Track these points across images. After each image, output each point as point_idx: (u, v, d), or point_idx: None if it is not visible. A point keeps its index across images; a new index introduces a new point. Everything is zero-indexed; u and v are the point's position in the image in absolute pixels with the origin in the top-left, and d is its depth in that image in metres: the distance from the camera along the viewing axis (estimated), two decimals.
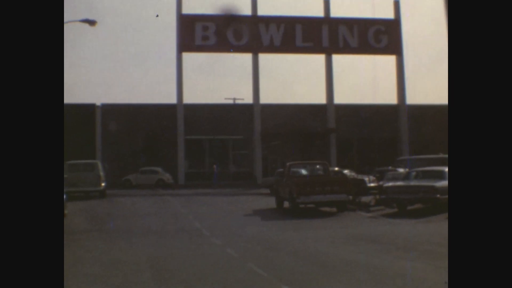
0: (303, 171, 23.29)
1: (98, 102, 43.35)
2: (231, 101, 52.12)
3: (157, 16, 67.93)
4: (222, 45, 42.90)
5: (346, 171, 26.43)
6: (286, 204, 21.02)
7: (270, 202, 23.70)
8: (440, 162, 23.00)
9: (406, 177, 20.78)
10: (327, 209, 20.50)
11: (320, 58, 44.99)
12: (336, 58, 44.76)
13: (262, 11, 44.03)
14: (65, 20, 31.79)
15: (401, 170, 24.91)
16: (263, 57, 43.91)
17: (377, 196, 20.74)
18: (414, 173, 20.47)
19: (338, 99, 44.99)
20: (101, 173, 29.42)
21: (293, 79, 64.54)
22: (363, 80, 64.77)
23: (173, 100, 43.14)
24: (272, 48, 43.54)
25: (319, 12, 44.56)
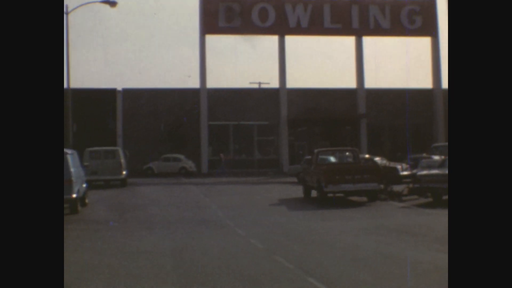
0: (332, 159, 23.15)
1: (119, 87, 43.70)
2: (256, 86, 52.06)
3: None
4: (247, 27, 42.74)
5: (377, 159, 26.22)
6: (313, 193, 20.94)
7: (296, 191, 23.63)
8: None
9: (441, 164, 20.45)
10: (356, 198, 20.36)
11: (350, 40, 44.55)
12: (367, 40, 44.29)
13: None
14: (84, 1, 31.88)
15: (436, 157, 24.57)
16: (289, 39, 43.65)
17: (410, 185, 20.50)
18: None
19: (369, 83, 44.64)
20: (122, 161, 29.54)
21: (321, 63, 64.15)
22: (396, 63, 64.05)
23: (196, 84, 43.23)
24: (299, 30, 43.22)
25: None
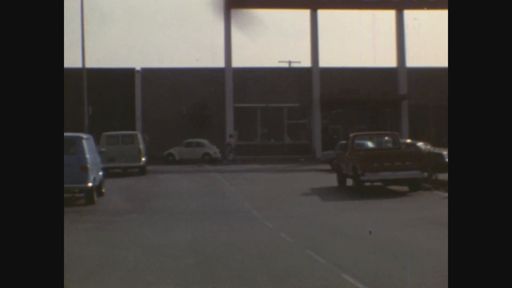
0: (370, 144, 22.96)
1: (138, 66, 43.95)
2: (286, 65, 51.87)
3: None
4: (276, 0, 42.51)
5: (420, 144, 25.96)
6: (349, 182, 20.83)
7: (330, 180, 23.54)
8: None
9: None
10: (397, 188, 20.20)
11: (390, 14, 44.03)
12: (408, 14, 43.72)
13: None
14: None
15: None
16: (322, 14, 43.31)
17: None
18: None
19: (411, 61, 44.09)
20: (141, 146, 29.66)
21: (357, 40, 63.60)
22: (439, 39, 63.05)
23: (220, 64, 43.24)
24: (333, 3, 42.84)
25: None
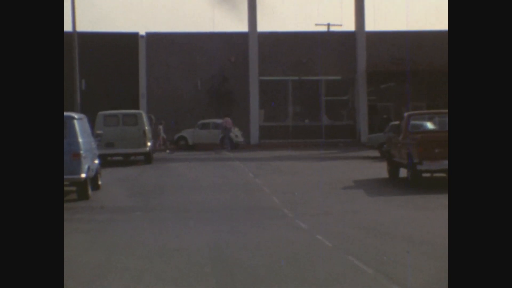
0: (429, 125, 22.79)
1: (142, 30, 44.14)
2: (324, 29, 51.65)
3: None
4: None
5: None
6: (402, 172, 20.74)
7: (379, 170, 23.49)
8: None
9: None
10: None
11: None
12: None
13: None
14: None
15: None
16: None
17: None
18: None
19: None
20: (147, 128, 29.77)
21: None
22: None
23: (243, 27, 43.20)
24: None
25: None
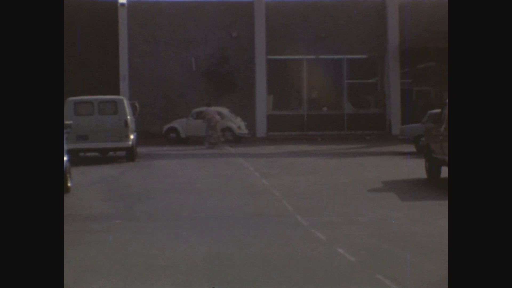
0: None
1: None
2: None
3: None
4: None
5: None
6: (445, 171, 20.75)
7: (415, 168, 23.50)
8: None
9: None
10: None
11: None
12: None
13: None
14: None
15: None
16: None
17: None
18: None
19: None
20: (129, 118, 29.62)
21: None
22: None
23: None
24: None
25: None
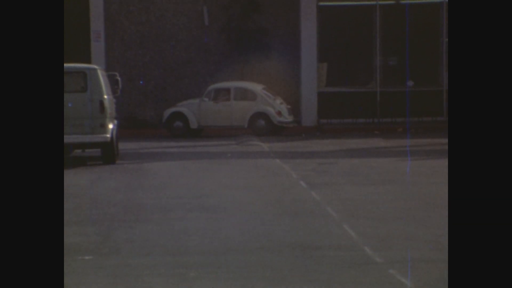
0: None
1: None
2: None
3: None
4: None
5: None
6: None
7: None
8: None
9: None
10: None
11: None
12: None
13: None
14: None
15: None
16: None
17: None
18: None
19: None
20: (106, 98, 29.84)
21: None
22: None
23: None
24: None
25: None
